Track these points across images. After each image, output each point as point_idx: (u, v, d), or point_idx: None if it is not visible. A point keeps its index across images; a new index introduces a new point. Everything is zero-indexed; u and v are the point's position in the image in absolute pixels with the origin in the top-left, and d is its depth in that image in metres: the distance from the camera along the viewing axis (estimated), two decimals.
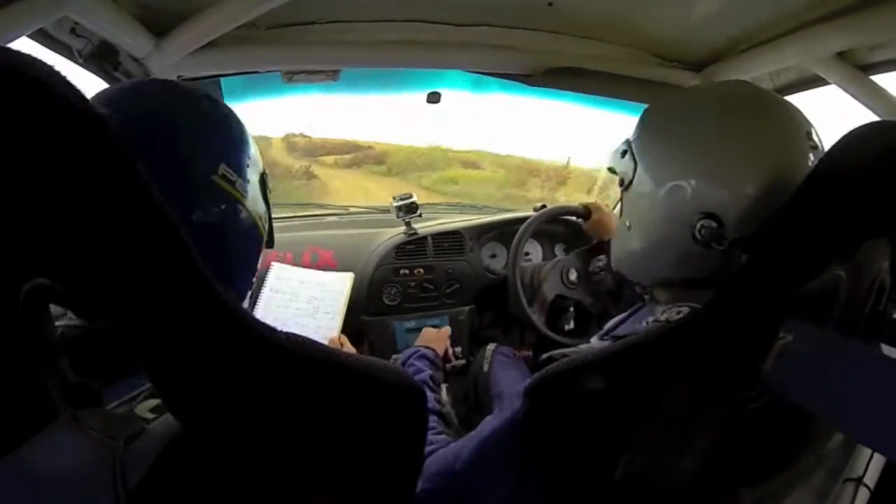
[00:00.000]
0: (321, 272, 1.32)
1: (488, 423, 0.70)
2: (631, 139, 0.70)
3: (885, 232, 0.52)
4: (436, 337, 1.22)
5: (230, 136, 0.57)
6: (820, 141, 0.61)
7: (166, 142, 0.51)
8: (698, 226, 0.60)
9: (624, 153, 0.70)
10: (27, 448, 0.35)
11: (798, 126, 0.61)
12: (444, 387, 1.04)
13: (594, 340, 0.72)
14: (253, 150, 0.60)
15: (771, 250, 0.52)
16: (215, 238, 0.53)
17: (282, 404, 0.39)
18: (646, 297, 0.75)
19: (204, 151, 0.54)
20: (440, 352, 1.16)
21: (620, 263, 0.75)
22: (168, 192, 0.45)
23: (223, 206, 0.53)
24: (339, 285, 1.29)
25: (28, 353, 0.35)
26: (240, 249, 0.56)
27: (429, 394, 0.94)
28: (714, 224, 0.59)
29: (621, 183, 0.71)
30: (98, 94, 0.54)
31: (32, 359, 0.36)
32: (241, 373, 0.37)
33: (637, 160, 0.68)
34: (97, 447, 0.35)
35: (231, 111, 0.59)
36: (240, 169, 0.56)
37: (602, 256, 1.53)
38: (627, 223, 0.70)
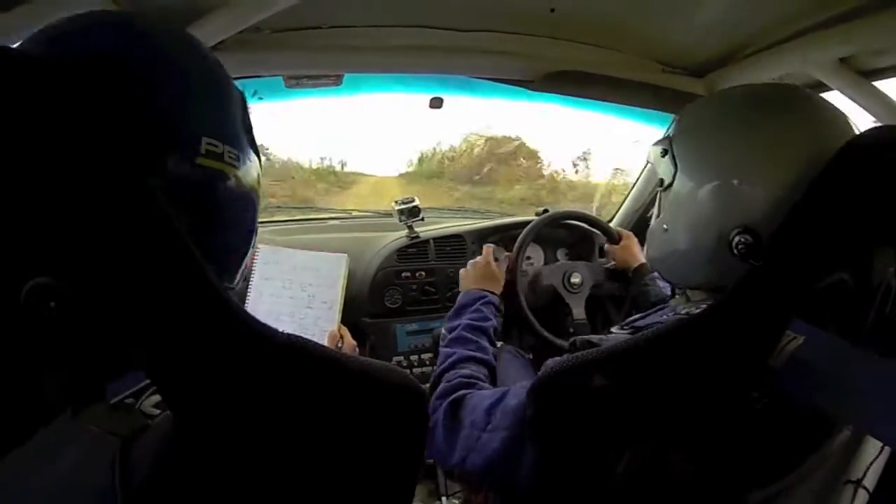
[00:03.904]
0: (313, 253, 1.24)
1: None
2: (672, 136, 0.68)
3: (891, 238, 0.52)
4: (490, 274, 1.14)
5: (210, 91, 0.45)
6: None
7: (134, 113, 0.39)
8: (735, 240, 0.58)
9: (665, 152, 0.68)
10: (26, 448, 0.35)
11: (839, 133, 0.58)
12: None
13: (615, 330, 0.72)
14: (234, 92, 0.48)
15: (780, 249, 0.52)
16: (202, 216, 0.43)
17: (281, 404, 0.38)
18: (677, 294, 0.74)
19: (183, 126, 0.41)
20: (498, 291, 1.11)
21: (655, 264, 0.74)
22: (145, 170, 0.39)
23: (209, 185, 0.43)
24: (334, 269, 1.22)
25: (29, 353, 0.36)
26: (233, 219, 0.47)
27: (489, 346, 0.93)
28: (750, 239, 0.58)
29: (661, 183, 0.69)
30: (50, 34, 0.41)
31: (33, 358, 0.36)
32: (241, 372, 0.37)
33: (678, 162, 0.66)
34: (98, 445, 0.35)
35: (204, 53, 0.46)
36: (228, 132, 0.45)
37: (603, 260, 1.54)
38: (665, 225, 0.68)
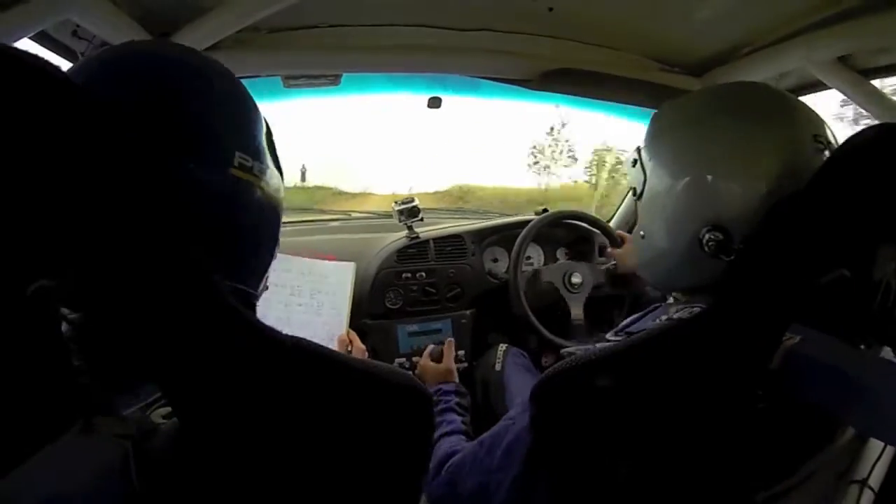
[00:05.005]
0: (321, 262, 1.27)
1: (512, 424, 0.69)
2: (640, 147, 0.69)
3: (890, 235, 0.52)
4: (442, 372, 1.18)
5: (241, 111, 0.50)
6: (833, 140, 0.60)
7: (174, 133, 0.44)
8: (705, 238, 0.59)
9: (634, 162, 0.69)
10: (39, 457, 0.35)
11: (804, 127, 0.60)
12: None
13: (609, 336, 0.72)
14: (260, 113, 0.53)
15: (773, 249, 0.52)
16: (233, 224, 0.48)
17: (287, 405, 0.39)
18: (667, 299, 0.75)
19: (216, 143, 0.47)
20: (454, 380, 1.15)
21: (640, 271, 0.75)
22: (179, 184, 0.44)
23: (240, 195, 0.48)
24: (342, 276, 1.26)
25: (36, 358, 0.35)
26: (260, 228, 0.52)
27: (458, 417, 0.97)
28: (720, 236, 0.59)
29: (633, 192, 0.70)
30: (91, 67, 0.46)
31: (41, 364, 0.35)
32: (247, 375, 0.37)
33: (645, 169, 0.67)
34: (108, 448, 0.35)
35: (234, 78, 0.52)
36: (256, 148, 0.50)
37: (603, 259, 1.54)
38: (641, 232, 0.70)
